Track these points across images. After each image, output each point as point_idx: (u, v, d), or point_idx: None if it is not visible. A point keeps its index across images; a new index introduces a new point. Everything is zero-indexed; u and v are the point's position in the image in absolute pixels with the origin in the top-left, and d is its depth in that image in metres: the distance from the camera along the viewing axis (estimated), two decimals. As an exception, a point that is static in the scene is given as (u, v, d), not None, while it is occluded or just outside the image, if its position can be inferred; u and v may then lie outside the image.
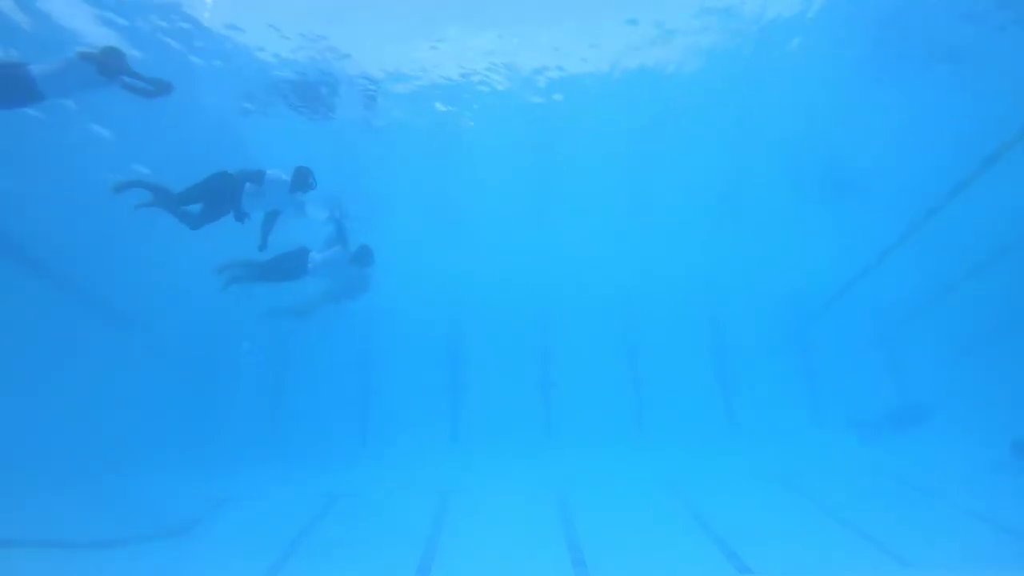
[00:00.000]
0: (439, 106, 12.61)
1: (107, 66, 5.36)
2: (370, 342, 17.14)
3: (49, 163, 11.37)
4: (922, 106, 12.58)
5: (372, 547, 8.99)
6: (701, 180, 15.07)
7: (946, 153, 11.26)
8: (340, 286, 11.14)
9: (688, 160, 14.49)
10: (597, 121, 13.29)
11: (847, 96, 12.41)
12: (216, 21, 10.50)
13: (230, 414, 15.13)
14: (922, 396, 13.72)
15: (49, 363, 11.10)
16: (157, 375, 14.33)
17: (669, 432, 14.52)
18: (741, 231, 16.64)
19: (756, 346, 16.79)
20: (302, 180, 6.57)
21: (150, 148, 11.27)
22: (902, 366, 15.77)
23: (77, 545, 7.97)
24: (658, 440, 14.49)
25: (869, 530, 8.49)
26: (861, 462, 12.33)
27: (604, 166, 14.84)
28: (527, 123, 13.32)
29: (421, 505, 10.77)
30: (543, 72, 12.25)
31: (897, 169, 14.22)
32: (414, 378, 16.55)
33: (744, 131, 13.51)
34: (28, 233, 10.99)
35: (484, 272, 16.34)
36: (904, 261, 13.41)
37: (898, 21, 10.60)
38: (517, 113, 13.13)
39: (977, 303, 13.91)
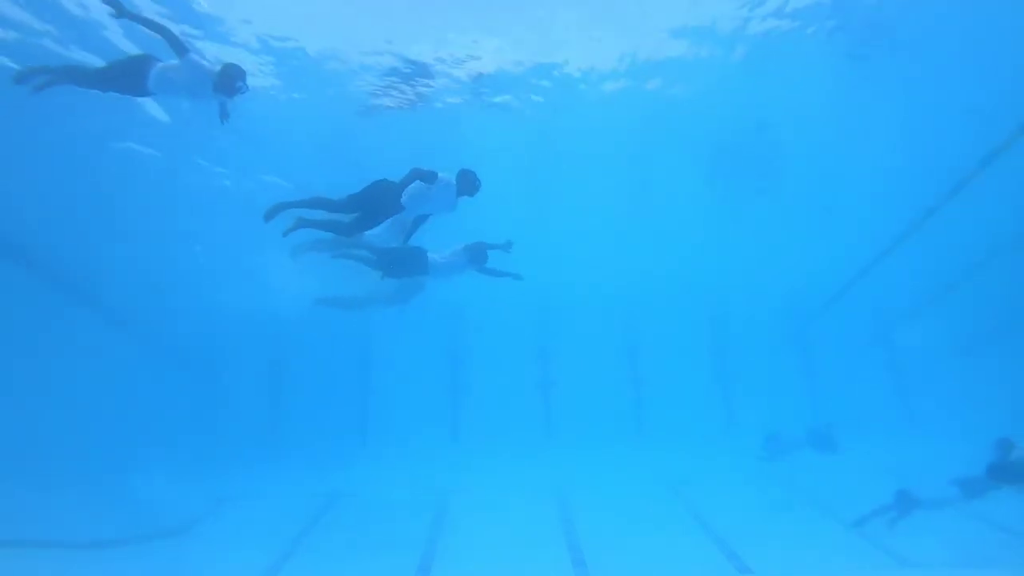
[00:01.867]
0: (439, 102, 12.52)
1: (225, 84, 5.24)
2: (370, 342, 17.15)
3: (53, 163, 11.36)
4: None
5: (372, 546, 8.99)
6: (702, 179, 15.04)
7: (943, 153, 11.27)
8: (395, 289, 11.26)
9: (689, 158, 14.45)
10: (598, 119, 13.26)
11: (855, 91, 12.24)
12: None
13: (230, 414, 15.13)
14: (835, 420, 13.50)
15: (49, 364, 11.09)
16: (158, 376, 14.34)
17: (669, 432, 14.53)
18: (741, 230, 16.62)
19: (756, 346, 16.80)
20: (469, 184, 6.46)
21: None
22: (901, 366, 15.77)
23: (77, 545, 7.97)
24: (658, 440, 14.49)
25: (869, 530, 8.49)
26: (861, 462, 12.34)
27: (605, 165, 14.82)
28: (527, 121, 13.28)
29: (421, 505, 10.77)
30: (545, 69, 12.19)
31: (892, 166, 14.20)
32: (414, 378, 16.55)
33: (746, 129, 13.42)
34: (29, 232, 11.00)
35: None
36: (903, 261, 13.41)
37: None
38: (517, 111, 13.10)
39: (975, 303, 13.91)
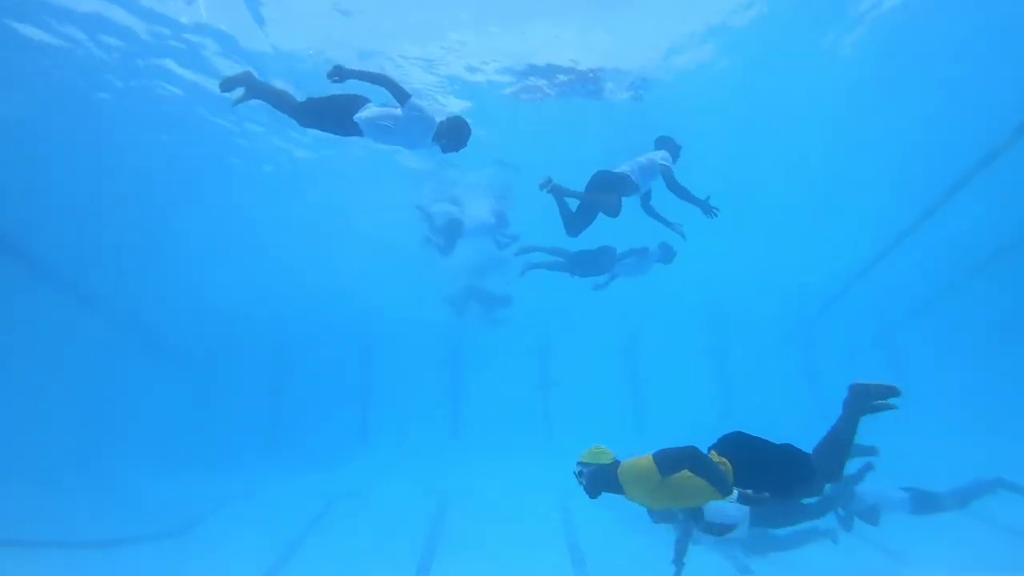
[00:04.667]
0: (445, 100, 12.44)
1: (450, 140, 4.80)
2: (371, 341, 17.16)
3: (61, 172, 11.33)
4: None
5: (372, 546, 8.99)
6: (704, 177, 14.95)
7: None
8: (486, 297, 12.94)
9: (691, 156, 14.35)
10: (597, 116, 13.19)
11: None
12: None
13: (231, 414, 15.14)
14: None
15: (50, 364, 11.10)
16: (159, 375, 14.35)
17: (669, 432, 14.50)
18: (742, 230, 16.59)
19: (756, 346, 16.79)
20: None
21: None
22: (902, 366, 15.74)
23: (77, 545, 7.98)
24: (658, 440, 14.46)
25: (868, 530, 8.48)
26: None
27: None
28: (523, 121, 13.22)
29: (421, 505, 10.77)
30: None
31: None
32: (415, 377, 16.56)
33: (753, 127, 13.30)
34: (33, 234, 11.00)
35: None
36: (904, 261, 13.38)
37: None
38: (514, 110, 13.04)
39: (976, 303, 13.90)
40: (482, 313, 13.86)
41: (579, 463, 3.77)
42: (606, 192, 5.98)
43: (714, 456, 3.63)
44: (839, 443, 3.72)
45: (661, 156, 6.34)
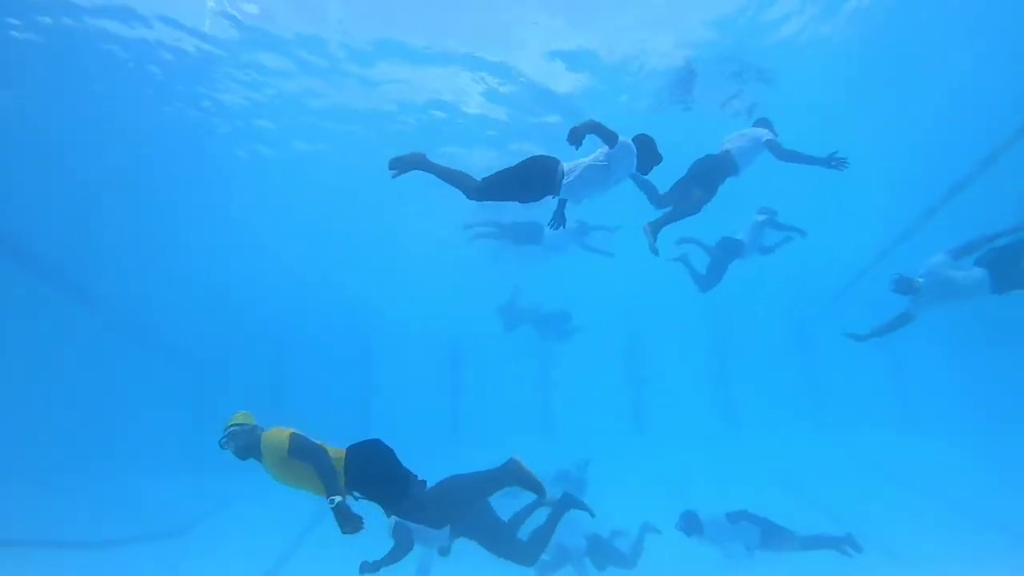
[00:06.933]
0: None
1: (649, 160, 4.37)
2: (371, 342, 17.15)
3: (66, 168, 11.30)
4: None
5: (372, 546, 8.97)
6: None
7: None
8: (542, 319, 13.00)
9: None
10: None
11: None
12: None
13: (231, 414, 15.12)
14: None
15: (51, 365, 11.10)
16: (159, 376, 14.34)
17: (670, 432, 14.51)
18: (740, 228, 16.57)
19: (756, 346, 16.78)
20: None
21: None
22: (903, 366, 15.73)
23: (77, 545, 7.98)
24: (659, 440, 14.48)
25: (869, 530, 8.48)
26: (861, 463, 12.34)
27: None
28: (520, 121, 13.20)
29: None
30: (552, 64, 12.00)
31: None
32: (415, 377, 16.55)
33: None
34: (33, 234, 10.99)
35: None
36: (905, 260, 13.33)
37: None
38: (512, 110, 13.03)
39: (976, 302, 13.87)
40: (543, 334, 13.30)
41: (226, 428, 3.94)
42: (705, 183, 5.93)
43: (339, 453, 3.86)
44: (461, 496, 4.07)
45: (763, 133, 6.30)
